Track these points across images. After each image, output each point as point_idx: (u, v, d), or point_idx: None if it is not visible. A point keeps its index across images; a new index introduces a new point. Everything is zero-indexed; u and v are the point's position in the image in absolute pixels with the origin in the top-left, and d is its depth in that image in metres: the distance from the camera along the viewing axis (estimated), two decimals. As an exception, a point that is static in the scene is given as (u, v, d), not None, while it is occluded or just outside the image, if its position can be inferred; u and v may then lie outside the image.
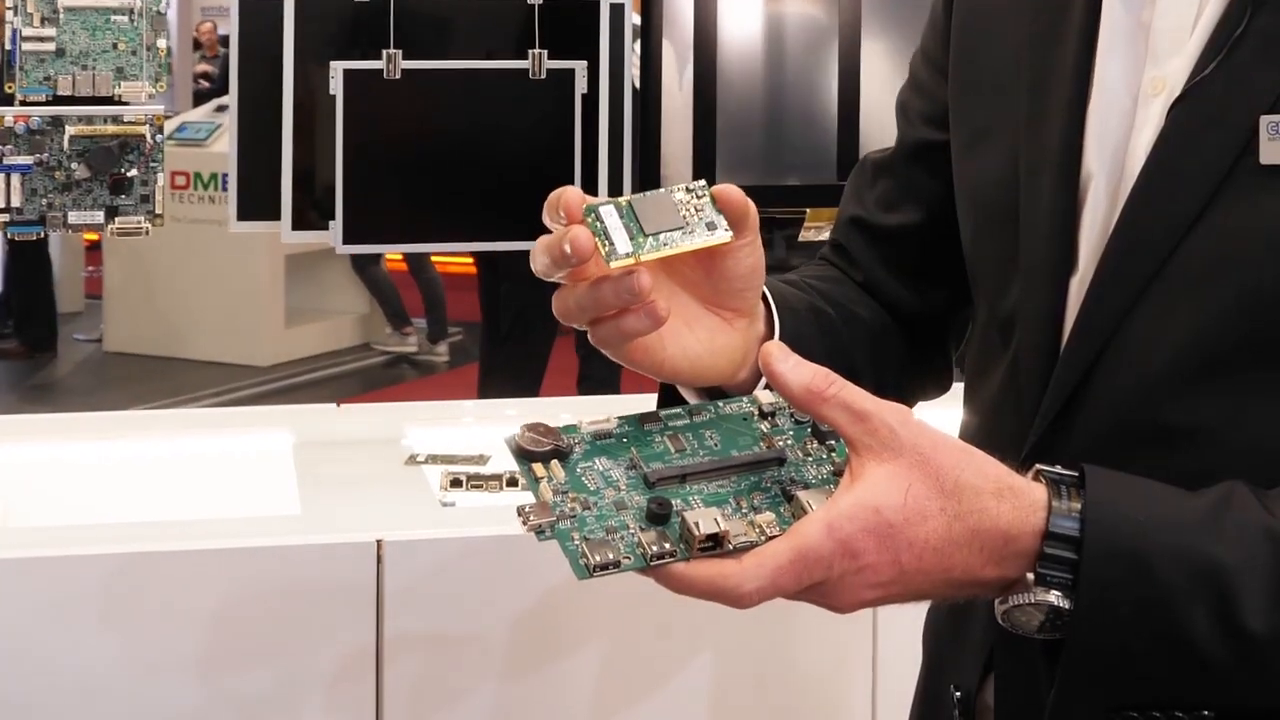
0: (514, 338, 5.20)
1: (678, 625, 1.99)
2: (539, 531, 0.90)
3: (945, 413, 1.26)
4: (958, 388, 1.25)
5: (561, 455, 0.94)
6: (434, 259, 7.74)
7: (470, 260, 6.32)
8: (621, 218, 0.96)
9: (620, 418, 0.97)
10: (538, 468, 0.93)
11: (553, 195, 0.98)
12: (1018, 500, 0.91)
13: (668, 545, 0.89)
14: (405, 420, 2.42)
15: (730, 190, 0.99)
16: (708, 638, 2.01)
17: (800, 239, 2.40)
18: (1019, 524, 0.91)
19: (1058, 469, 0.93)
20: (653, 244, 0.96)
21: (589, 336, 1.02)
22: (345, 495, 2.07)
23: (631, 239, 0.95)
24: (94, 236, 2.14)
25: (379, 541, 1.87)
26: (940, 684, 1.19)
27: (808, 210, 2.38)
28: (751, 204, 1.01)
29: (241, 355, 7.38)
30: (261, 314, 7.49)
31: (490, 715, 1.93)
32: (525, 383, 5.15)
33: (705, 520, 0.89)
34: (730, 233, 0.99)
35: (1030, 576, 0.91)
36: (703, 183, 1.00)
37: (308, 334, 7.78)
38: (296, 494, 2.05)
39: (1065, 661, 0.92)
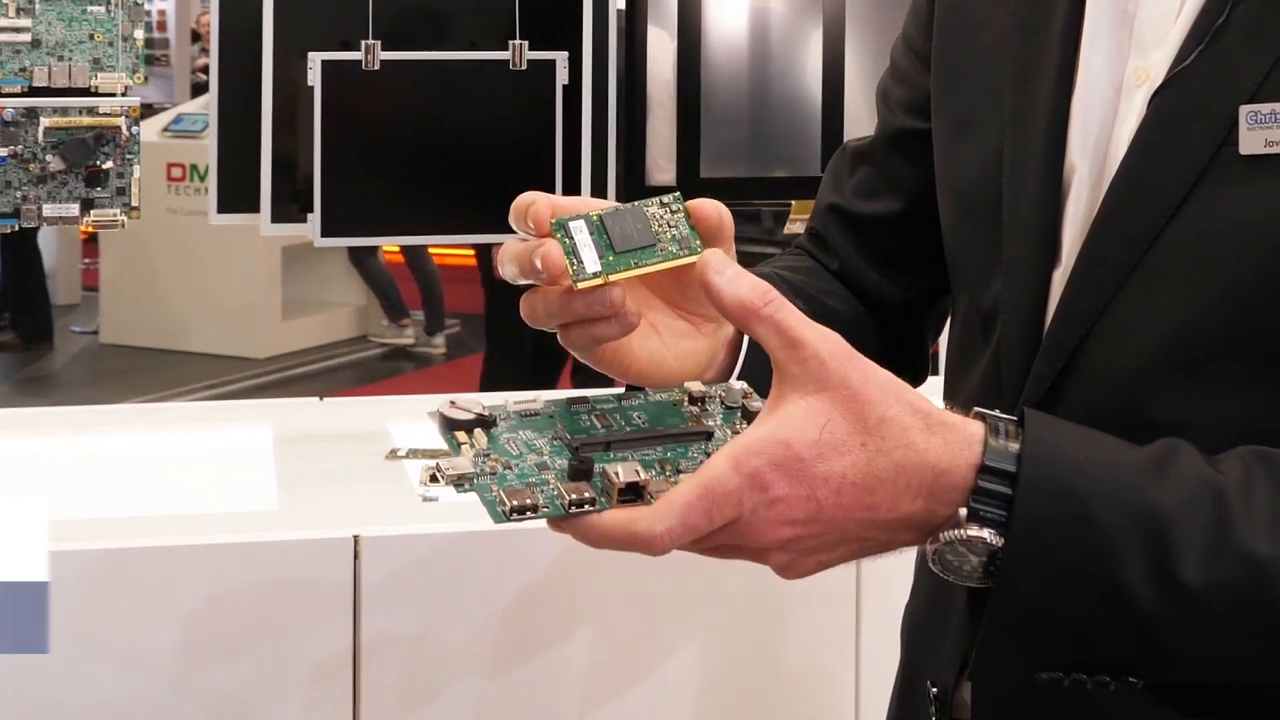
0: (506, 325, 5.24)
1: (660, 622, 1.98)
2: (458, 484, 0.89)
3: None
4: (936, 381, 1.24)
5: (485, 424, 0.93)
6: (431, 251, 7.74)
7: (469, 252, 6.34)
8: (591, 234, 0.95)
9: (548, 399, 0.96)
10: (460, 435, 0.92)
11: (520, 202, 0.97)
12: (950, 435, 0.89)
13: (588, 494, 0.88)
14: (389, 414, 2.41)
15: (705, 205, 0.98)
16: (690, 632, 2.00)
17: (786, 231, 2.39)
18: (950, 458, 0.89)
19: (997, 412, 0.92)
20: (622, 263, 0.95)
21: (559, 339, 1.01)
22: (324, 490, 2.05)
23: (600, 257, 0.95)
24: (91, 229, 2.12)
25: (356, 537, 1.86)
26: (918, 680, 1.18)
27: (793, 203, 2.37)
28: (728, 216, 1.00)
29: (238, 348, 7.38)
30: (258, 306, 7.49)
31: (470, 714, 1.92)
32: (523, 373, 5.15)
33: (626, 470, 0.88)
34: (701, 250, 0.97)
35: (963, 512, 0.89)
36: (677, 195, 0.99)
37: (304, 326, 7.78)
38: (275, 489, 2.03)
39: (993, 605, 0.90)
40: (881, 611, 2.00)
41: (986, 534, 0.89)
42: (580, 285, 0.94)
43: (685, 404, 0.97)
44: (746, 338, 1.09)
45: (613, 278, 0.95)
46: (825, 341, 0.88)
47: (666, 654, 1.99)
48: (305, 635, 1.86)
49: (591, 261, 0.94)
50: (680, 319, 1.05)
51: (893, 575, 1.22)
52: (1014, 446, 0.89)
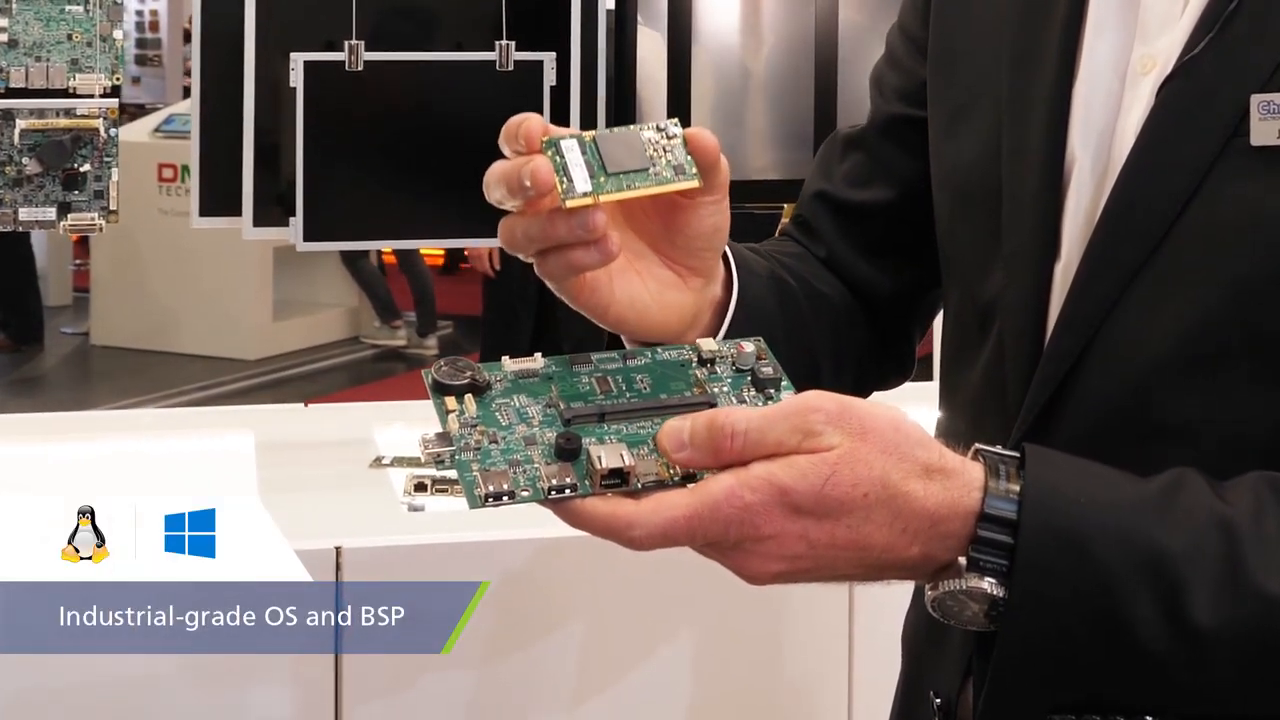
0: (494, 326, 5.25)
1: (649, 637, 1.96)
2: (438, 460, 0.86)
3: (918, 412, 1.21)
4: (929, 388, 1.21)
5: (477, 389, 0.90)
6: (424, 252, 7.71)
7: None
8: (584, 154, 0.92)
9: (548, 358, 0.93)
10: (450, 401, 0.89)
11: (513, 120, 0.94)
12: (949, 481, 0.86)
13: (569, 479, 0.85)
14: (374, 421, 2.38)
15: (703, 135, 0.95)
16: (683, 643, 1.98)
17: (781, 229, 2.37)
18: (949, 504, 0.86)
19: (998, 449, 0.89)
20: (613, 184, 0.92)
21: (535, 268, 0.98)
22: (306, 499, 2.02)
23: (591, 177, 0.91)
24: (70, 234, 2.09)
25: (338, 548, 1.83)
26: (920, 689, 1.15)
27: (785, 206, 2.35)
28: (724, 159, 0.96)
29: (229, 349, 7.35)
30: (249, 307, 7.47)
31: (455, 728, 1.89)
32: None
33: (610, 454, 0.85)
34: (697, 178, 0.94)
35: (962, 561, 0.86)
36: (675, 121, 0.95)
37: (296, 328, 7.75)
38: (256, 498, 2.00)
39: (999, 655, 0.87)
40: (875, 618, 1.97)
41: (987, 584, 0.86)
42: (569, 204, 0.91)
43: (694, 364, 0.94)
44: (732, 305, 1.07)
45: (603, 198, 0.91)
46: (813, 412, 0.85)
47: (656, 667, 1.97)
48: (285, 648, 1.82)
49: (582, 181, 0.91)
50: (667, 269, 1.02)
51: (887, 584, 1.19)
52: (1014, 488, 0.86)
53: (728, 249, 1.07)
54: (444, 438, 0.87)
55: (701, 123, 2.35)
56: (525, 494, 0.85)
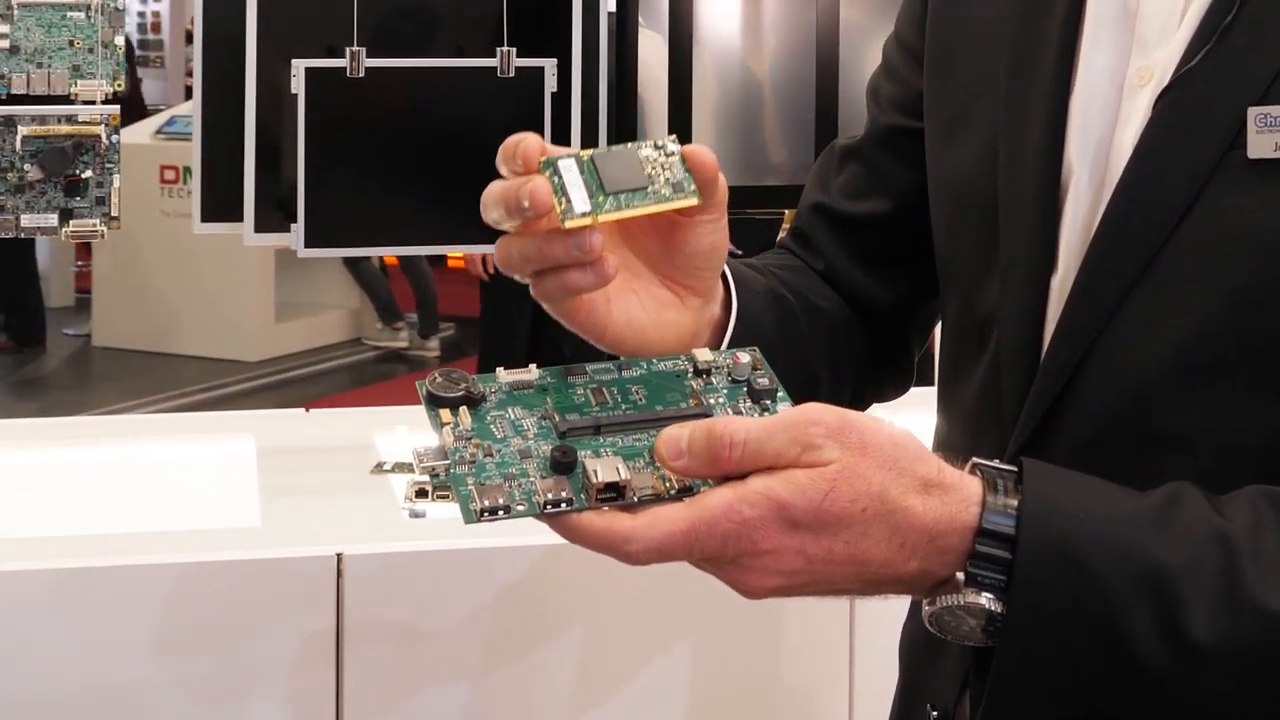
0: (491, 328, 5.24)
1: (649, 645, 1.95)
2: (433, 474, 0.86)
3: (917, 419, 1.21)
4: (929, 394, 1.21)
5: (472, 402, 0.90)
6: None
7: (460, 255, 6.32)
8: (581, 173, 0.91)
9: (543, 369, 0.93)
10: (445, 413, 0.89)
11: (510, 140, 0.93)
12: (947, 496, 0.86)
13: (565, 493, 0.85)
14: (375, 426, 2.37)
15: (701, 152, 0.94)
16: (682, 651, 1.97)
17: (779, 242, 2.37)
18: (947, 520, 0.86)
19: (996, 463, 0.89)
20: (612, 203, 0.91)
21: (531, 289, 0.97)
22: (307, 505, 2.02)
23: (590, 197, 0.91)
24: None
25: (339, 555, 1.82)
26: (917, 702, 1.15)
27: (786, 211, 2.35)
28: (722, 177, 0.96)
29: (231, 350, 7.36)
30: (251, 309, 7.47)
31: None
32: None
33: (605, 469, 0.85)
34: (697, 195, 0.93)
35: (960, 576, 0.87)
36: (673, 138, 0.95)
37: (298, 329, 7.76)
38: (257, 504, 2.00)
39: (997, 670, 0.87)
40: (876, 629, 1.97)
41: (985, 600, 0.86)
42: (568, 224, 0.90)
43: (689, 375, 0.94)
44: (731, 325, 1.07)
45: (602, 218, 0.91)
46: (812, 424, 0.85)
47: (655, 681, 1.96)
48: (287, 656, 1.82)
49: (581, 201, 0.90)
50: (665, 288, 1.02)
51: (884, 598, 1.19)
52: (1012, 503, 0.86)
53: (726, 268, 1.07)
54: (439, 450, 0.87)
55: (704, 126, 2.35)
56: (521, 508, 0.85)
